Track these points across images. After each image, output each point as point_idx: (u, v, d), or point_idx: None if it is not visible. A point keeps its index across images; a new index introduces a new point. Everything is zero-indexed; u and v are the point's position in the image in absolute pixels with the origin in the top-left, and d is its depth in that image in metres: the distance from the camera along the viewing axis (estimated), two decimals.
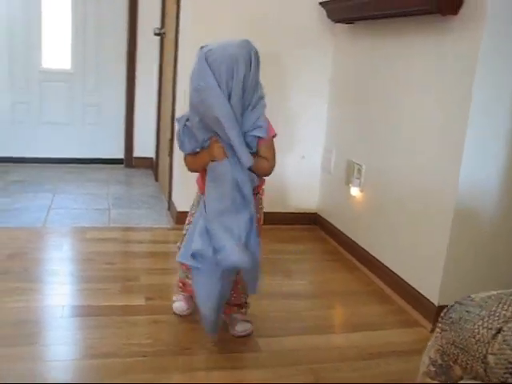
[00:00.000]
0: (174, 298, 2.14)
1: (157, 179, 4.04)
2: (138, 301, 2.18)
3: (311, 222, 3.21)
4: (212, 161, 1.78)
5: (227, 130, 1.68)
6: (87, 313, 2.05)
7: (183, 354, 1.83)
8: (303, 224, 3.21)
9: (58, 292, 2.23)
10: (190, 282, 1.95)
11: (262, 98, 1.80)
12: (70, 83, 4.28)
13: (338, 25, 2.88)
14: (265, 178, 1.97)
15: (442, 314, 1.09)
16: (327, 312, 2.26)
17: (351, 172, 2.78)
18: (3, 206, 3.22)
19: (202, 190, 1.89)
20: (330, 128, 3.09)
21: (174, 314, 2.09)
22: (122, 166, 4.42)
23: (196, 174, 1.96)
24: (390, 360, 1.88)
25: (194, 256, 1.78)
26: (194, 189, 2.73)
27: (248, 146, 1.76)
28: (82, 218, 3.09)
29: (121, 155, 4.42)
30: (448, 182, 2.01)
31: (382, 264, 2.47)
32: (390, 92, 2.45)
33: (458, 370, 1.03)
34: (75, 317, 2.03)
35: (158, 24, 3.85)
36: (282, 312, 2.19)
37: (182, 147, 1.86)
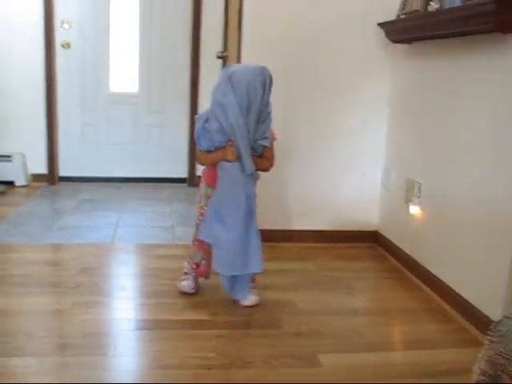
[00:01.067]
0: (183, 277, 2.41)
1: None
2: (204, 316, 2.25)
3: (372, 240, 3.22)
4: (225, 160, 2.17)
5: (238, 140, 2.11)
6: (153, 326, 2.14)
7: (246, 368, 1.89)
8: (363, 242, 3.22)
9: (126, 306, 2.34)
10: (203, 263, 2.38)
11: (269, 113, 2.19)
12: (136, 105, 4.46)
13: (397, 45, 2.90)
14: None
15: (491, 327, 1.12)
16: (387, 329, 2.27)
17: (411, 190, 2.78)
18: (75, 223, 3.40)
19: (208, 183, 2.30)
20: (389, 146, 3.11)
21: (181, 292, 2.39)
22: (185, 184, 4.56)
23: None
24: (449, 379, 1.88)
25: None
26: (259, 209, 2.83)
27: (254, 149, 2.20)
28: (147, 235, 3.22)
29: (184, 174, 4.56)
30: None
31: (443, 282, 2.46)
32: (450, 110, 2.45)
33: (506, 379, 1.05)
34: (141, 330, 2.12)
35: (219, 47, 3.98)
36: (342, 328, 2.21)
37: (198, 143, 2.22)
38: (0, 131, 4.29)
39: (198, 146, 2.25)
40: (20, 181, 4.27)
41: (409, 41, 2.78)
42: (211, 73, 4.13)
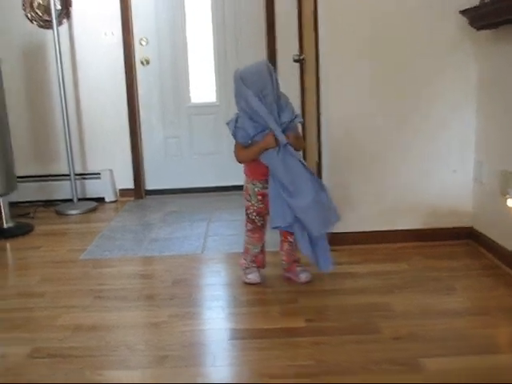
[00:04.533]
0: (247, 271, 2.62)
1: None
2: (299, 323, 2.23)
3: (466, 236, 3.09)
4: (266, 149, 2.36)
5: (266, 119, 2.32)
6: (249, 335, 2.14)
7: (345, 374, 1.85)
8: (458, 239, 3.09)
9: (221, 316, 2.35)
10: (261, 255, 2.64)
11: (287, 99, 2.45)
12: (216, 115, 4.51)
13: (482, 32, 2.77)
14: None
15: None
16: (491, 331, 2.15)
17: (506, 182, 2.64)
18: (165, 235, 3.47)
19: (256, 178, 2.50)
20: (479, 138, 2.97)
21: (249, 284, 2.58)
22: None
23: None
24: None
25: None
26: (348, 210, 2.80)
27: (293, 129, 2.44)
28: (238, 243, 3.21)
29: None
30: None
31: None
32: None
33: None
34: (238, 339, 2.12)
35: (296, 50, 3.96)
36: (443, 331, 2.12)
37: (235, 137, 2.44)
38: (88, 150, 4.47)
39: (236, 140, 2.45)
40: (109, 197, 4.43)
41: (494, 26, 2.64)
42: (290, 77, 4.12)
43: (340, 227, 3.04)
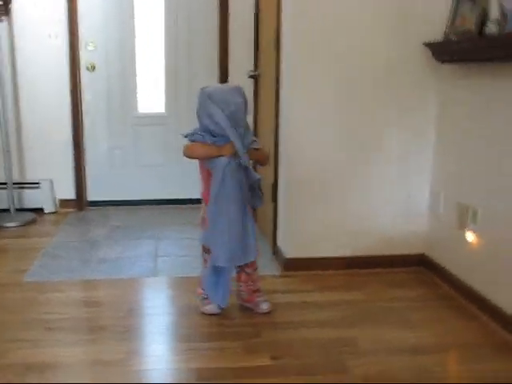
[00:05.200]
0: (205, 302, 2.52)
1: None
2: (264, 360, 2.16)
3: (418, 263, 3.13)
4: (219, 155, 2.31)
5: (229, 133, 2.27)
6: (215, 375, 2.06)
7: None
8: (409, 266, 3.13)
9: (182, 353, 2.22)
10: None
11: (248, 126, 2.43)
12: (164, 126, 4.38)
13: (445, 65, 2.81)
14: None
15: None
16: (457, 368, 2.18)
17: (464, 215, 2.70)
18: (113, 255, 3.32)
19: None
20: (436, 169, 3.02)
21: (208, 315, 2.50)
22: None
23: None
24: None
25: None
26: (302, 235, 2.74)
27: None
28: (189, 266, 3.09)
29: None
30: None
31: (503, 311, 2.38)
32: (506, 132, 2.36)
33: None
34: (204, 381, 2.03)
35: (249, 66, 3.90)
36: (411, 370, 2.12)
37: (190, 138, 2.40)
38: (27, 158, 4.23)
39: (188, 139, 2.39)
40: (49, 207, 4.21)
41: (457, 61, 2.69)
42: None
43: (293, 252, 3.04)
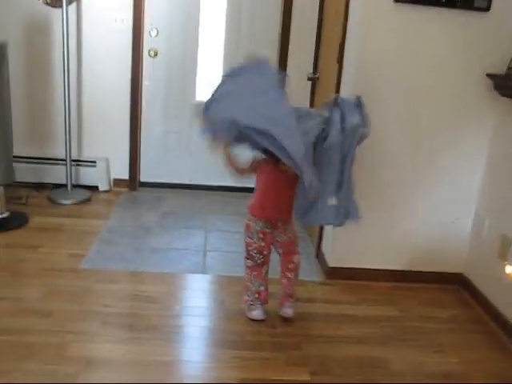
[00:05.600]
0: (251, 307, 2.68)
1: None
2: (304, 376, 2.33)
3: (456, 282, 3.23)
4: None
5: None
6: None
7: None
8: (448, 283, 3.23)
9: (230, 360, 2.39)
10: (264, 292, 2.67)
11: None
12: None
13: (504, 98, 2.84)
14: None
15: None
16: None
17: (506, 248, 2.77)
18: (164, 245, 3.51)
19: (256, 215, 2.60)
20: (484, 195, 3.08)
21: (253, 320, 2.65)
22: None
23: None
24: None
25: None
26: (348, 245, 3.08)
27: None
28: (237, 264, 3.20)
29: None
30: None
31: None
32: None
33: None
34: None
35: (307, 65, 3.96)
36: None
37: None
38: (85, 136, 4.41)
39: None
40: (103, 186, 4.41)
41: None
42: (298, 90, 4.11)
43: (336, 261, 3.17)
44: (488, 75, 2.84)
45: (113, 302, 2.79)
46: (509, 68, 2.74)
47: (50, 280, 2.94)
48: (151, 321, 2.65)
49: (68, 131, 4.13)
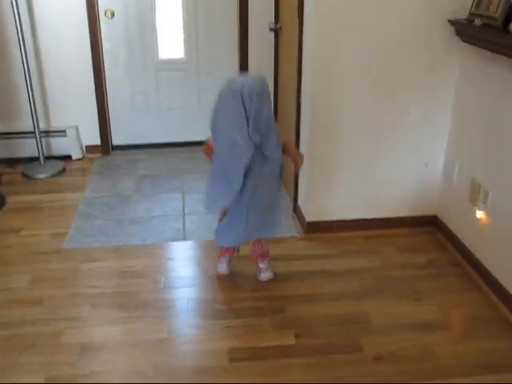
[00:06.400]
0: (219, 260, 2.87)
1: None
2: (289, 339, 2.45)
3: (431, 224, 3.34)
4: None
5: None
6: (249, 357, 2.34)
7: None
8: (423, 226, 3.34)
9: (218, 331, 2.50)
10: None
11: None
12: (184, 71, 4.45)
13: (466, 44, 2.84)
14: None
15: None
16: (463, 348, 2.41)
17: (476, 194, 2.86)
18: (143, 214, 3.56)
19: None
20: (452, 140, 3.13)
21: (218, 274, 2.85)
22: None
23: None
24: None
25: None
26: (323, 197, 3.17)
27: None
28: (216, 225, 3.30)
29: None
30: None
31: (505, 289, 2.62)
32: None
33: None
34: (239, 362, 2.31)
35: (267, 14, 3.89)
36: (417, 349, 2.40)
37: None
38: (51, 106, 4.34)
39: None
40: (76, 154, 4.39)
41: (478, 46, 2.72)
42: (260, 42, 4.08)
43: (313, 215, 3.24)
44: (450, 21, 2.82)
45: (99, 282, 2.86)
46: (470, 14, 2.72)
47: (35, 265, 2.99)
48: (139, 297, 2.73)
49: (32, 102, 4.06)
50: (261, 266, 2.84)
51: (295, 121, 3.33)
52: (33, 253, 3.10)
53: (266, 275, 2.84)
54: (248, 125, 2.38)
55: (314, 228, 3.28)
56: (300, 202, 3.44)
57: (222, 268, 2.88)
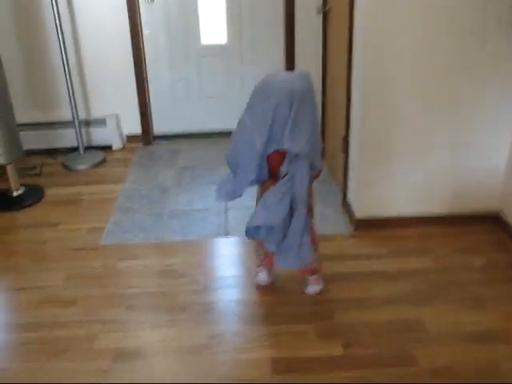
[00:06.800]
0: (258, 270, 2.62)
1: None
2: (337, 349, 2.26)
3: (491, 222, 3.08)
4: None
5: None
6: (292, 368, 2.17)
7: None
8: (482, 224, 3.08)
9: (260, 339, 2.34)
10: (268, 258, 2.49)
11: None
12: (226, 57, 4.26)
13: None
14: None
15: None
16: None
17: None
18: (183, 207, 3.41)
19: None
20: None
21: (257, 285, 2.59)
22: None
23: None
24: None
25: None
26: (375, 193, 2.96)
27: None
28: None
29: None
30: None
31: None
32: None
33: None
34: (282, 374, 2.15)
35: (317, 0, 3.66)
36: (480, 362, 2.17)
37: None
38: (90, 95, 4.23)
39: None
40: (116, 144, 4.27)
41: None
42: (307, 27, 3.86)
43: (364, 211, 3.04)
44: None
45: (136, 282, 2.73)
46: None
47: (70, 262, 2.89)
48: (177, 299, 2.59)
49: (71, 91, 3.96)
50: (309, 276, 2.59)
51: (345, 108, 3.10)
52: (69, 249, 3.00)
53: (313, 289, 2.59)
54: (279, 128, 2.12)
55: (365, 225, 3.07)
56: (349, 196, 3.23)
57: (262, 278, 2.64)
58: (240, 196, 2.36)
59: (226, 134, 4.29)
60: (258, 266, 2.64)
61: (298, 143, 2.12)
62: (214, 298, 2.61)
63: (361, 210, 3.07)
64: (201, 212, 3.34)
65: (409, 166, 2.96)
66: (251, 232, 2.33)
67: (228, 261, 2.94)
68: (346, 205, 3.27)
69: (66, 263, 2.87)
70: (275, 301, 2.57)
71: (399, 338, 2.32)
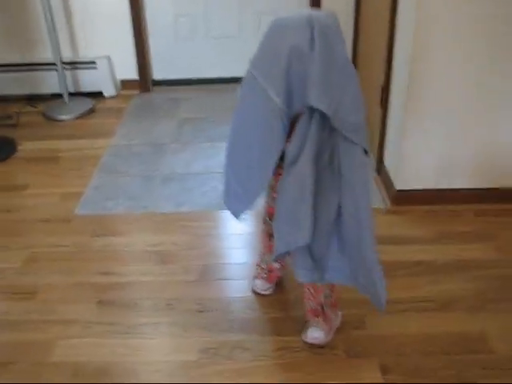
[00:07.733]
0: (257, 273, 1.98)
1: None
2: (373, 375, 1.67)
3: None
4: None
5: None
6: None
7: None
8: None
9: (273, 358, 1.77)
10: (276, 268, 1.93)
11: None
12: None
13: None
14: None
15: None
16: None
17: None
18: (181, 170, 2.81)
19: None
20: None
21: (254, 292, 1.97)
22: None
23: None
24: None
25: None
26: (421, 159, 2.20)
27: None
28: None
29: None
30: None
31: None
32: None
33: None
34: None
35: None
36: None
37: None
38: (79, 33, 3.57)
39: None
40: (108, 91, 3.64)
41: None
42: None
43: (405, 182, 2.44)
44: None
45: (113, 267, 2.16)
46: None
47: (34, 238, 2.32)
48: (164, 294, 2.02)
49: (52, 26, 3.29)
50: (310, 321, 1.80)
51: (386, 48, 2.44)
52: (34, 220, 2.43)
53: (312, 335, 1.78)
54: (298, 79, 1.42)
55: (406, 198, 2.46)
56: (387, 162, 2.59)
57: (260, 284, 2.01)
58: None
59: (235, 81, 3.67)
60: (255, 277, 2.01)
61: (332, 100, 1.43)
62: (211, 294, 2.01)
63: (401, 180, 2.44)
64: (200, 176, 2.74)
65: (462, 125, 2.32)
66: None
67: (231, 241, 2.33)
68: (382, 173, 2.63)
69: (28, 239, 2.30)
70: (289, 300, 1.97)
71: (455, 360, 1.74)
